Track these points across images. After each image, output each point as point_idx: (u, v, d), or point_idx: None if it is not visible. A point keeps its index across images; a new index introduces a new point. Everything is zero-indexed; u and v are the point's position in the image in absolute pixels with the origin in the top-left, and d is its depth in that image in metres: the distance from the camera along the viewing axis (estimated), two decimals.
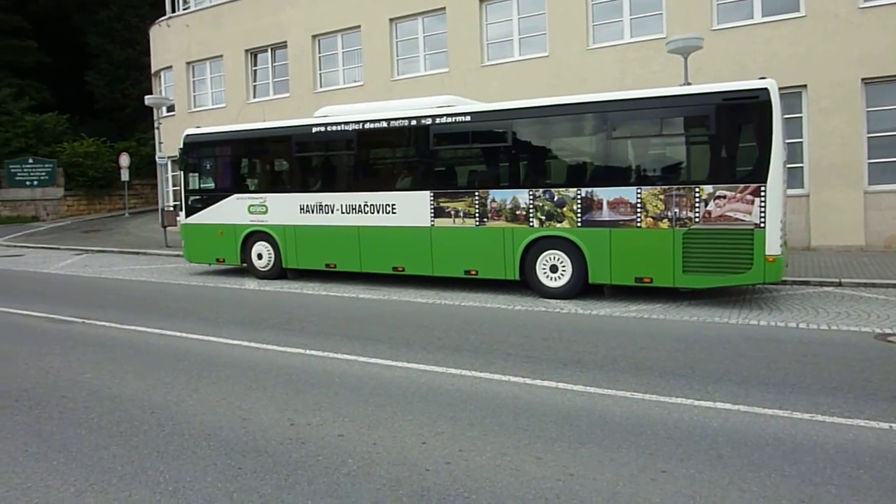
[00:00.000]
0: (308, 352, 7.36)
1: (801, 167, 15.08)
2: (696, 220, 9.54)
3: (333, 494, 3.91)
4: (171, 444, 4.69)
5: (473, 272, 11.28)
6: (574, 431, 4.85)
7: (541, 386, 5.99)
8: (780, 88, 14.04)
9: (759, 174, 9.20)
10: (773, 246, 9.16)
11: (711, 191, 9.45)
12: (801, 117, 15.07)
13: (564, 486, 3.98)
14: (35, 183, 31.31)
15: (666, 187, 9.74)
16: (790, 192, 14.67)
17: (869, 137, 14.64)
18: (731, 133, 9.60)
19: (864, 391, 5.68)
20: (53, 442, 4.81)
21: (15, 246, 22.84)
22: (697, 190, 9.53)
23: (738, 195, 9.29)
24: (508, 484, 4.01)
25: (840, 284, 11.07)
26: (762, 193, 9.15)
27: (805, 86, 14.92)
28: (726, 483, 4.00)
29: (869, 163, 14.65)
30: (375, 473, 4.17)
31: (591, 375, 6.27)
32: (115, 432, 4.96)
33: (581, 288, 10.51)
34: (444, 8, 19.25)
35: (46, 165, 31.37)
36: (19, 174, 30.99)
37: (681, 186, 9.66)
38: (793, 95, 15.04)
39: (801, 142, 15.05)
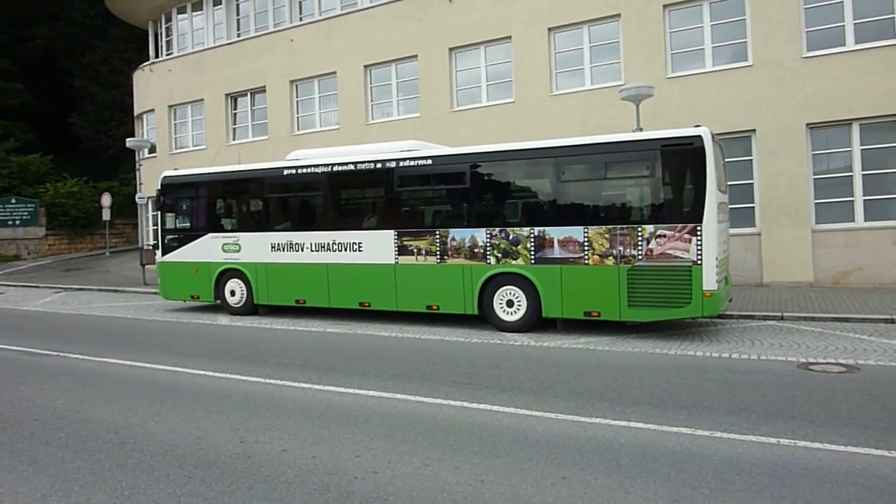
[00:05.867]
0: (267, 380, 7.92)
1: (753, 207, 15.87)
2: (639, 257, 10.21)
3: (270, 497, 4.47)
4: (131, 458, 5.24)
5: (435, 307, 11.87)
6: (494, 446, 5.42)
7: (476, 409, 6.56)
8: (730, 133, 15.29)
9: (695, 215, 9.89)
10: (709, 282, 9.81)
11: (653, 230, 10.13)
12: (751, 160, 15.91)
13: (473, 491, 4.54)
14: (17, 222, 31.73)
15: (611, 227, 10.42)
16: (743, 230, 15.51)
17: (815, 179, 15.47)
18: (670, 177, 10.33)
19: (767, 412, 6.28)
20: (24, 457, 5.35)
21: None
22: (640, 229, 10.21)
23: (677, 234, 9.97)
24: (425, 489, 4.58)
25: (782, 318, 11.70)
26: (698, 233, 9.83)
27: (754, 130, 15.79)
28: (616, 487, 4.59)
29: (815, 203, 15.44)
30: (309, 481, 4.73)
31: (525, 399, 6.85)
32: (80, 449, 5.51)
33: (536, 321, 11.11)
34: (416, 56, 20.19)
35: (29, 205, 31.83)
36: (1, 214, 31.42)
37: (624, 226, 10.35)
38: (743, 139, 15.95)
39: (752, 183, 15.86)
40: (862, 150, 14.96)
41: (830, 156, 15.46)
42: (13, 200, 31.81)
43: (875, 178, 14.84)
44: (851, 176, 15.09)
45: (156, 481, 4.78)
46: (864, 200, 14.95)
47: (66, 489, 4.68)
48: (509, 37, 18.68)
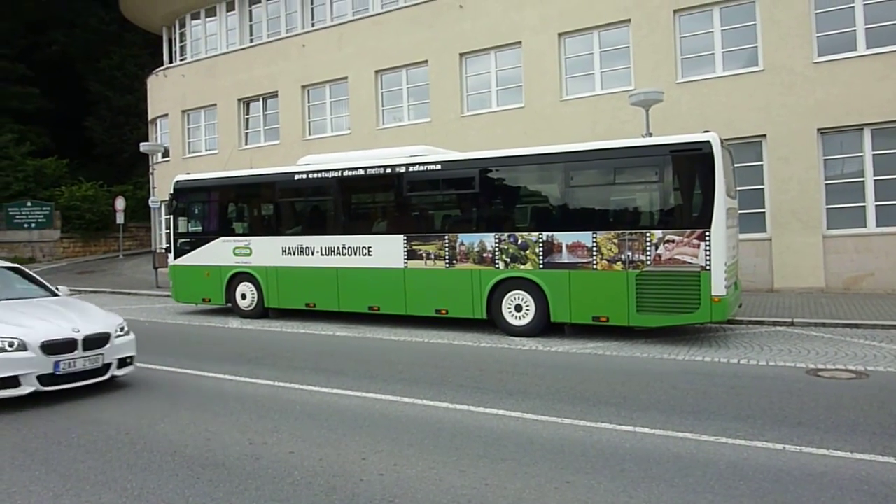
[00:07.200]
0: (276, 383, 8.00)
1: (763, 212, 15.82)
2: (648, 262, 10.22)
3: (277, 498, 4.53)
4: (141, 459, 5.34)
5: (444, 311, 11.92)
6: (500, 450, 5.46)
7: (483, 413, 6.61)
8: (740, 138, 15.25)
9: (704, 220, 9.89)
10: (718, 287, 9.80)
11: (661, 235, 10.14)
12: (761, 165, 15.87)
13: (477, 493, 4.59)
14: (33, 225, 32.06)
15: (619, 232, 10.44)
16: (753, 235, 15.46)
17: (826, 184, 15.41)
18: (678, 182, 10.32)
19: (774, 418, 6.29)
20: (37, 456, 5.46)
21: None
22: (648, 234, 10.23)
23: (686, 239, 9.98)
24: (430, 491, 4.63)
25: (792, 324, 11.66)
26: (707, 238, 9.84)
27: (765, 135, 15.74)
28: (620, 491, 4.61)
29: (827, 208, 15.38)
30: (316, 483, 4.79)
31: (531, 404, 6.88)
32: (91, 449, 5.62)
33: (544, 326, 11.13)
34: (426, 61, 20.29)
35: (44, 208, 32.16)
36: (17, 217, 31.76)
37: (633, 231, 10.37)
38: (754, 144, 15.91)
39: (763, 188, 15.82)
40: (874, 155, 14.88)
41: (842, 161, 15.39)
42: (29, 203, 32.16)
43: (887, 184, 14.75)
44: (863, 181, 15.01)
45: (165, 481, 4.86)
46: (876, 206, 14.86)
47: (78, 488, 4.78)
48: (519, 42, 18.73)
